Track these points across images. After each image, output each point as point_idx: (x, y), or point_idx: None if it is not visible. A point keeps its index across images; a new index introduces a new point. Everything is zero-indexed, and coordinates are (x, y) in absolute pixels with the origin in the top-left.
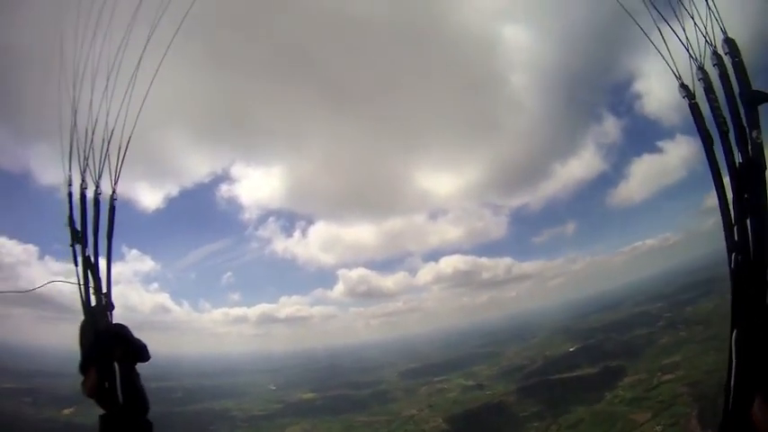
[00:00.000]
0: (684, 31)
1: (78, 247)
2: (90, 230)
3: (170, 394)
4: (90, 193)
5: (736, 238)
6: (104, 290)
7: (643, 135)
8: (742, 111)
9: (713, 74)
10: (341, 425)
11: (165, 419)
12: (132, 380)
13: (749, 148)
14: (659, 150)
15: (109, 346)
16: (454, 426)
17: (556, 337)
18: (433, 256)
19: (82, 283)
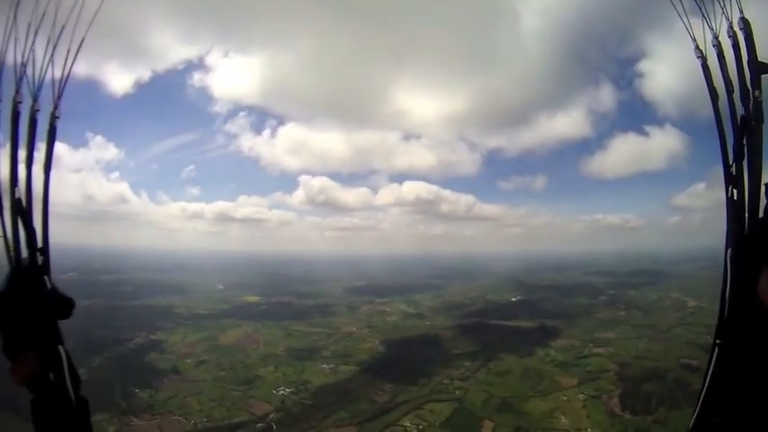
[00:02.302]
0: (705, 5)
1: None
2: (22, 163)
3: (119, 287)
4: (25, 110)
5: (733, 173)
6: (40, 244)
7: (635, 114)
8: (748, 76)
9: (726, 45)
10: (281, 331)
11: (112, 313)
12: (61, 348)
13: (751, 104)
14: (645, 134)
15: (50, 323)
16: (390, 349)
17: (502, 284)
18: (398, 178)
19: (9, 235)
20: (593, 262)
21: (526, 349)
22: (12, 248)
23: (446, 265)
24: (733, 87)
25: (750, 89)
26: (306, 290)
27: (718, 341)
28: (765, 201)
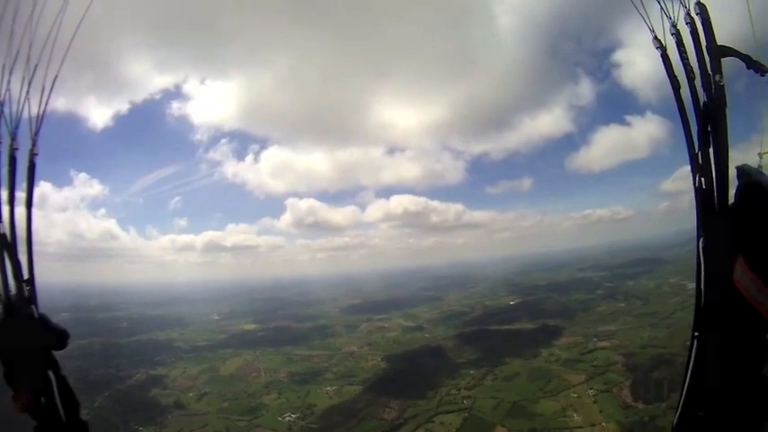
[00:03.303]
0: None
1: None
2: (2, 198)
3: (115, 324)
4: (4, 150)
5: (700, 161)
6: (26, 275)
7: (615, 105)
8: (708, 62)
9: (685, 32)
10: (281, 357)
11: (110, 351)
12: (55, 371)
13: (713, 90)
14: (627, 124)
15: (42, 353)
16: (392, 364)
17: (498, 289)
18: (385, 193)
19: None
20: (587, 257)
21: (530, 351)
22: (1, 283)
23: (440, 276)
24: (694, 74)
25: (711, 74)
26: (302, 313)
27: (696, 333)
28: (735, 187)
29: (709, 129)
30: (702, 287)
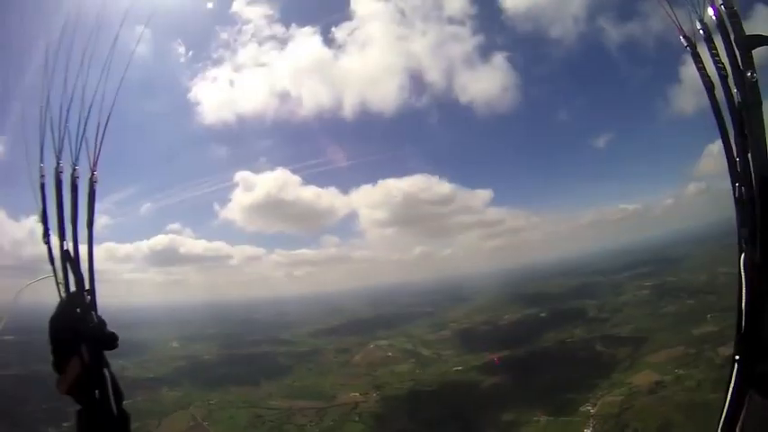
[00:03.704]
0: None
1: (55, 241)
2: (68, 219)
3: None
4: (66, 178)
5: (738, 169)
6: (86, 286)
7: None
8: (739, 56)
9: (711, 25)
10: (247, 412)
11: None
12: (106, 369)
13: (746, 87)
14: None
15: (96, 350)
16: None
17: (506, 301)
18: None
19: (61, 281)
20: (579, 265)
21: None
22: (62, 287)
23: (427, 291)
24: (726, 72)
25: (743, 70)
26: (279, 337)
27: (737, 357)
28: None
29: (746, 132)
30: (744, 306)
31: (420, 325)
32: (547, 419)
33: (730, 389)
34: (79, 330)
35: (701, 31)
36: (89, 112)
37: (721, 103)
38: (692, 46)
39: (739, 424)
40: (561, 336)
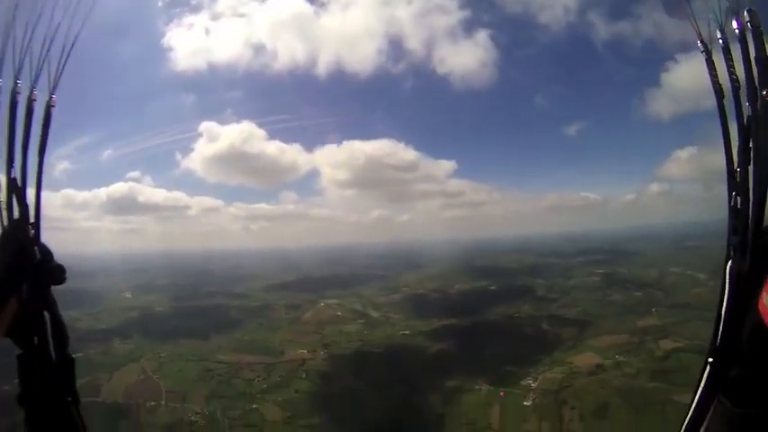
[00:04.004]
0: None
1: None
2: (19, 145)
3: None
4: (23, 100)
5: (737, 179)
6: (32, 219)
7: None
8: (756, 73)
9: (732, 39)
10: (197, 365)
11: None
12: (50, 308)
13: (758, 104)
14: None
15: (40, 289)
16: (372, 389)
17: (459, 271)
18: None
19: (4, 208)
20: (541, 244)
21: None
22: (6, 218)
23: (382, 255)
24: (740, 84)
25: (758, 87)
26: (232, 290)
27: (710, 360)
28: None
29: (750, 145)
30: (724, 313)
31: (372, 287)
32: (488, 389)
33: (699, 390)
34: (20, 266)
35: (720, 41)
36: (55, 33)
37: (729, 114)
38: (708, 52)
39: (704, 427)
40: (509, 310)
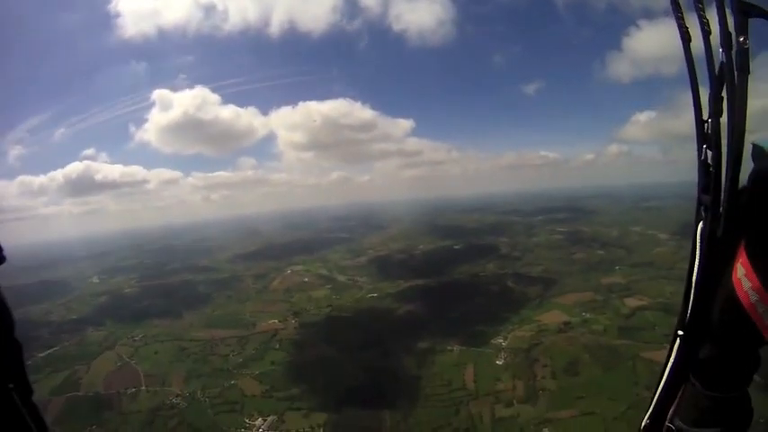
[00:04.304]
0: None
1: None
2: None
3: None
4: None
5: (708, 131)
6: None
7: None
8: (732, 20)
9: None
10: (172, 346)
11: None
12: None
13: (733, 51)
14: None
15: None
16: (342, 353)
17: (422, 231)
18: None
19: None
20: (500, 203)
21: (533, 314)
22: None
23: (343, 217)
24: (710, 29)
25: (734, 33)
26: (198, 264)
27: (680, 332)
28: (755, 166)
29: (723, 95)
30: (695, 279)
31: (336, 251)
32: (460, 349)
33: (668, 368)
34: None
35: None
36: None
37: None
38: None
39: (672, 409)
40: (474, 269)
